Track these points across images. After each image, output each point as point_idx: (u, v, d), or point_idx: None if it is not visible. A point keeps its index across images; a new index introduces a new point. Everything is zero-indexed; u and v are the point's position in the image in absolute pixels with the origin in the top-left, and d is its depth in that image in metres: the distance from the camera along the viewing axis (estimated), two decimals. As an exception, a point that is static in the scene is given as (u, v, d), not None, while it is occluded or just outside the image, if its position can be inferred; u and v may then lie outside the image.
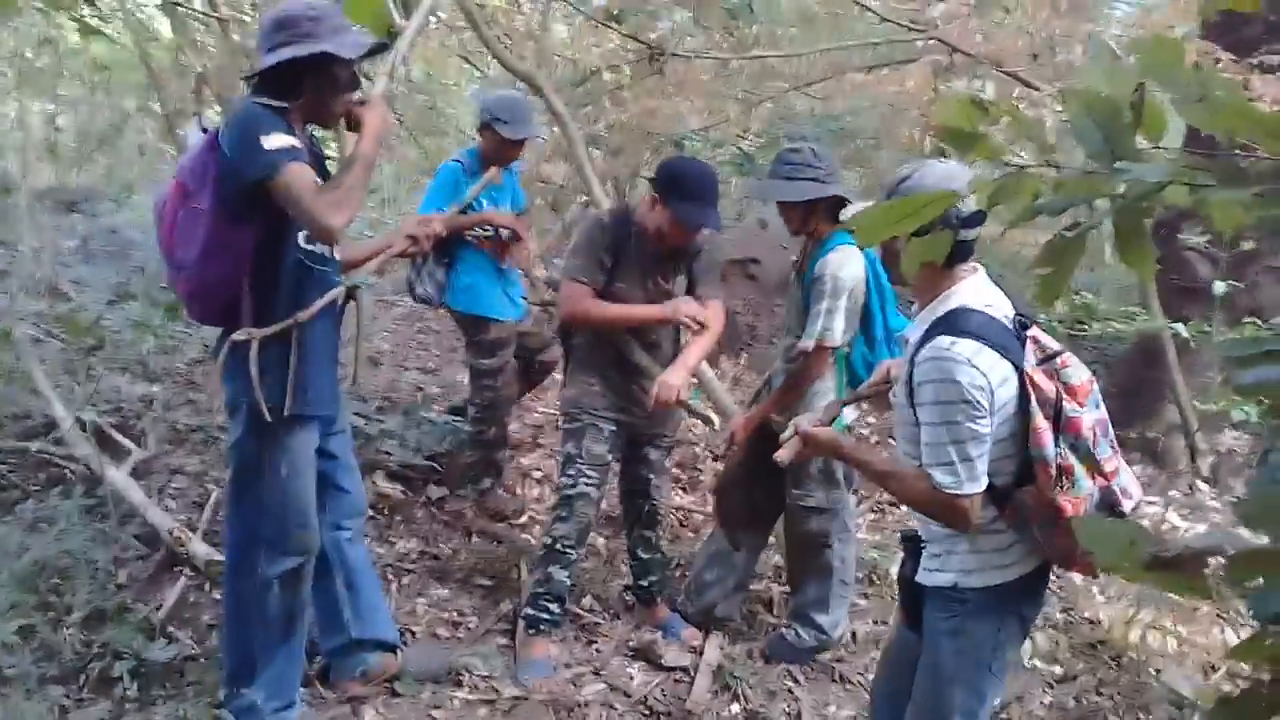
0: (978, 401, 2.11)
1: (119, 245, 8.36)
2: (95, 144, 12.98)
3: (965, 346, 2.14)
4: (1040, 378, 2.18)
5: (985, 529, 2.27)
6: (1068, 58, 6.19)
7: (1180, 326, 4.19)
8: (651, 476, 3.85)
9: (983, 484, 2.17)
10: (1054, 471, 2.13)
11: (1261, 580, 1.28)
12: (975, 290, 2.27)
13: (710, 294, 3.67)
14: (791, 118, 8.59)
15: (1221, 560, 1.41)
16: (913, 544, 2.48)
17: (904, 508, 4.97)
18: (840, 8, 8.07)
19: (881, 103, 6.65)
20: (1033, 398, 2.15)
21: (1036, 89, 5.60)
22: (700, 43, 8.16)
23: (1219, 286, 4.29)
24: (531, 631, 3.62)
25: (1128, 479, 2.26)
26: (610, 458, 3.71)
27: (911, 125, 5.70)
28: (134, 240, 8.72)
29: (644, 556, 3.92)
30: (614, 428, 3.68)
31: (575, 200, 8.76)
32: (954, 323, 2.20)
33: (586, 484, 3.62)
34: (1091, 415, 2.19)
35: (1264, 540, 1.31)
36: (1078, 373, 2.22)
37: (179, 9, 8.79)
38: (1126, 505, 2.23)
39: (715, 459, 5.61)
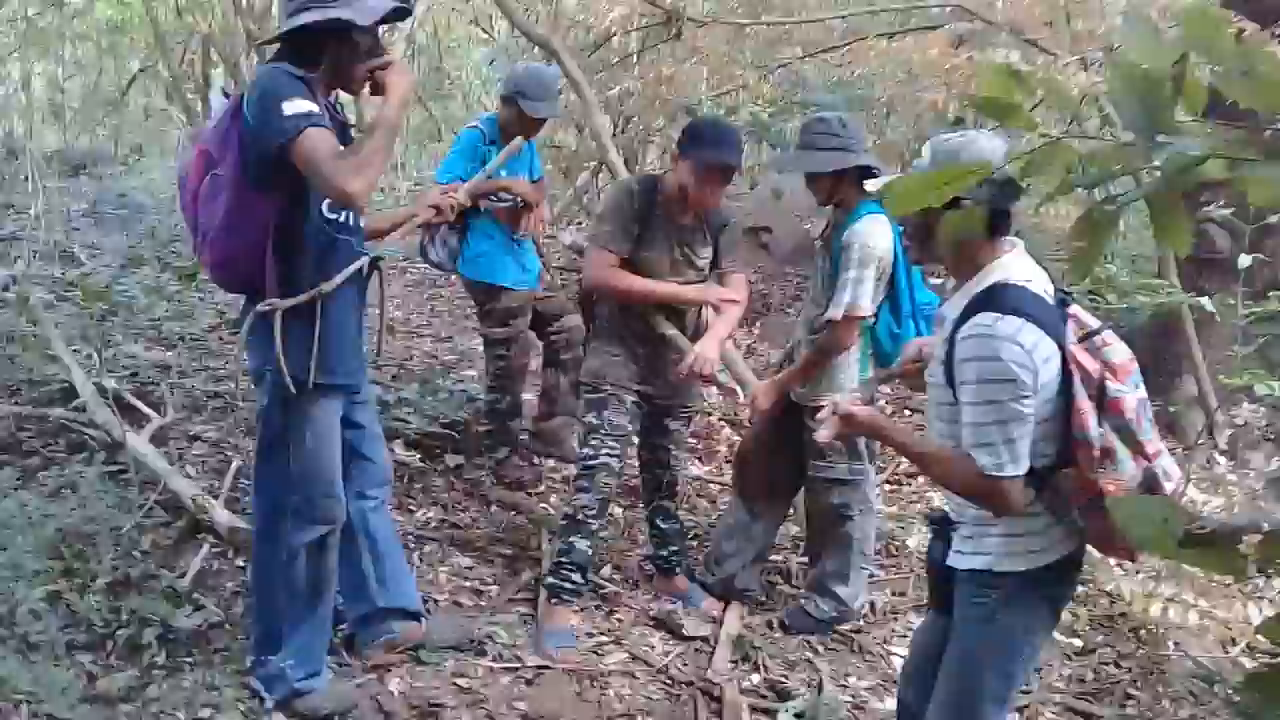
0: (1022, 380, 2.06)
1: (129, 209, 8.34)
2: (101, 106, 12.90)
3: (1009, 324, 2.08)
4: (1084, 356, 2.14)
5: (1022, 514, 2.22)
6: (1085, 26, 6.13)
7: (1205, 301, 4.16)
8: (671, 447, 3.85)
9: (1025, 466, 2.11)
10: (1097, 453, 2.10)
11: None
12: (1016, 265, 2.22)
13: (735, 267, 3.68)
14: (805, 84, 8.52)
15: (1256, 537, 1.41)
16: (941, 526, 2.44)
17: (923, 480, 4.98)
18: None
19: (901, 70, 6.59)
20: (1076, 377, 2.12)
21: (1055, 56, 5.55)
22: (714, 7, 8.09)
23: (1244, 259, 4.25)
24: (554, 601, 3.63)
25: (1167, 460, 2.21)
26: (631, 429, 3.70)
27: (934, 92, 5.64)
28: (143, 204, 8.73)
29: (663, 527, 3.92)
30: (635, 399, 3.67)
31: (586, 166, 8.72)
32: (996, 299, 2.15)
33: (608, 454, 3.62)
34: (1134, 395, 2.15)
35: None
36: (1119, 351, 2.18)
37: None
38: (1167, 487, 2.19)
39: (731, 428, 5.61)
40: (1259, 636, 3.77)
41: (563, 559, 3.64)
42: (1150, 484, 2.17)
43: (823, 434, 2.37)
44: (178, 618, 3.22)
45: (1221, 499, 4.86)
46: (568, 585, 3.62)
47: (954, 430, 2.21)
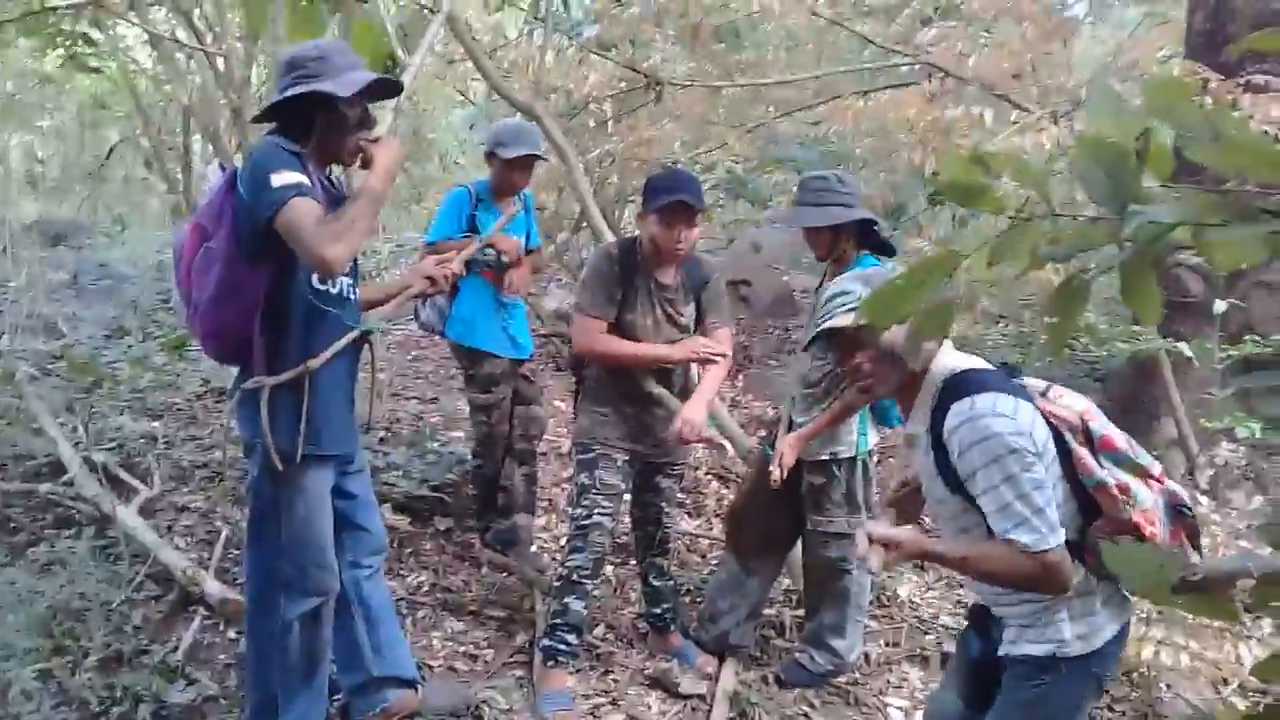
0: (1024, 449, 2.04)
1: (111, 280, 8.35)
2: (81, 177, 12.95)
3: (985, 400, 2.08)
4: (1056, 409, 2.17)
5: (1079, 590, 2.18)
6: (1053, 80, 6.28)
7: (1183, 346, 4.23)
8: (664, 505, 3.87)
9: (1062, 533, 2.07)
10: (1116, 492, 2.10)
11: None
12: (953, 357, 2.25)
13: (720, 322, 3.70)
14: (780, 141, 8.66)
15: (1249, 581, 1.44)
16: (980, 620, 2.40)
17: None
18: (827, 33, 8.16)
19: (877, 128, 6.73)
20: (1064, 430, 2.14)
21: (1027, 111, 5.67)
22: (686, 70, 8.23)
23: (1219, 305, 4.34)
24: (550, 664, 3.62)
25: (1171, 482, 2.24)
26: (623, 487, 3.71)
27: (910, 150, 5.76)
28: (125, 275, 8.72)
29: (656, 584, 3.93)
30: (626, 457, 3.69)
31: (566, 224, 8.80)
32: (960, 388, 2.15)
33: (600, 514, 3.63)
34: (1113, 429, 2.19)
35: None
36: (1076, 398, 2.23)
37: (165, 41, 8.81)
38: (1188, 501, 2.21)
39: (719, 482, 5.63)
40: (1251, 677, 3.80)
41: (558, 620, 3.64)
42: (1175, 505, 2.19)
43: (874, 563, 2.13)
44: (171, 693, 3.21)
45: (1206, 539, 4.90)
46: (563, 647, 3.61)
47: (976, 537, 2.19)
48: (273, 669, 2.97)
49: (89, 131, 13.56)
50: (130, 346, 6.07)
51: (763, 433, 5.62)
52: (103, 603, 3.53)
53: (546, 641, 3.65)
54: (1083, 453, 2.13)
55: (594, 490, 3.63)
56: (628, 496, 3.85)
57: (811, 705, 3.74)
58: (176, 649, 3.45)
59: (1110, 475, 2.12)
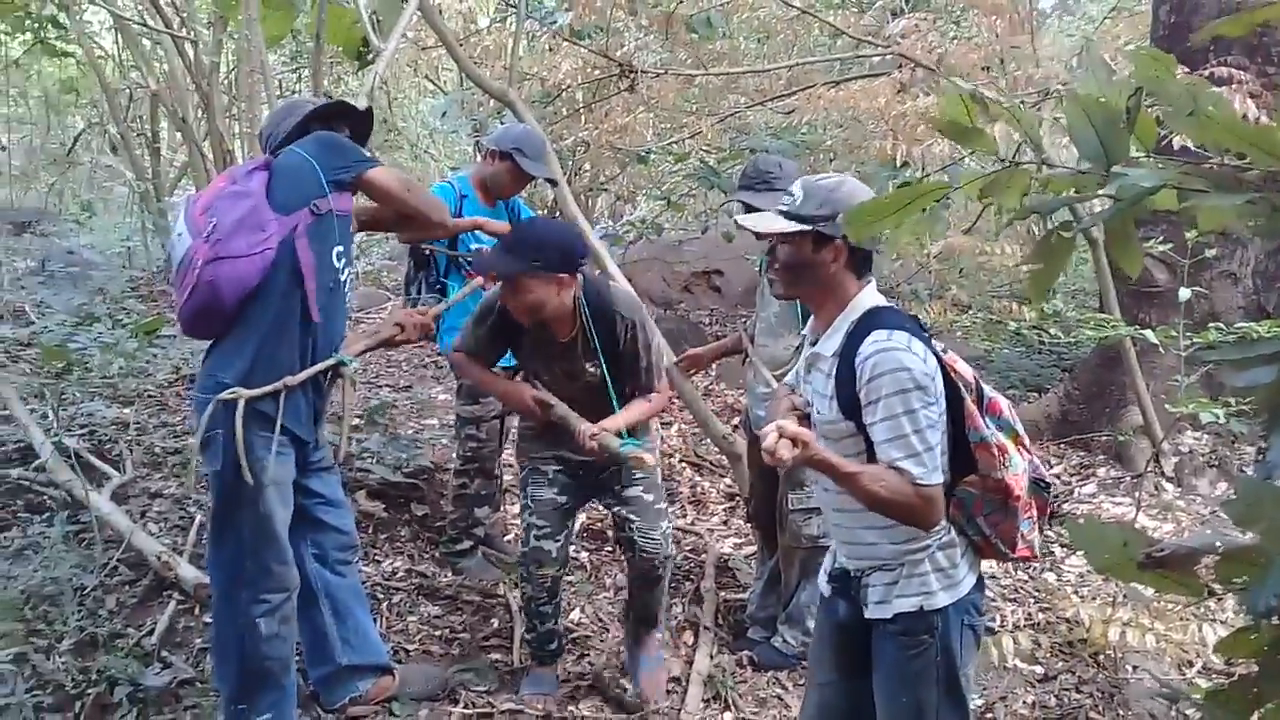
0: (928, 388, 2.14)
1: (79, 267, 8.27)
2: (47, 164, 12.78)
3: (902, 337, 2.16)
4: (957, 366, 2.26)
5: (941, 542, 2.27)
6: (1021, 72, 6.35)
7: (1148, 333, 4.31)
8: (634, 517, 3.50)
9: (941, 475, 2.17)
10: (995, 451, 2.20)
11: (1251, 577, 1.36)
12: (873, 297, 2.32)
13: (649, 386, 3.36)
14: (751, 131, 8.70)
15: (1213, 558, 1.49)
16: (843, 583, 2.41)
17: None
18: (799, 24, 8.20)
19: (847, 117, 6.78)
20: (960, 385, 2.23)
21: (999, 102, 5.72)
22: (659, 59, 8.26)
23: (1184, 292, 4.42)
24: (536, 662, 3.60)
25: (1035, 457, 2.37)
26: (562, 500, 3.49)
27: (880, 139, 5.81)
28: (93, 262, 8.65)
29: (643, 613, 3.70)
30: (558, 467, 3.48)
31: (540, 213, 8.81)
32: (879, 320, 2.22)
33: (538, 535, 3.46)
34: (1000, 396, 2.32)
35: (1252, 538, 1.39)
36: (966, 366, 2.32)
37: (131, 26, 8.72)
38: (1048, 476, 2.35)
39: (693, 469, 5.67)
40: (1214, 657, 3.89)
41: (530, 637, 3.60)
42: (1036, 476, 2.32)
43: (784, 454, 2.05)
44: (147, 676, 3.21)
45: (1171, 525, 5.00)
46: (545, 652, 3.59)
47: (856, 463, 2.20)
48: (241, 666, 2.96)
49: (54, 117, 13.39)
50: (98, 335, 6.02)
51: (734, 421, 5.68)
52: (76, 587, 3.52)
53: (531, 646, 3.61)
54: (974, 409, 2.22)
55: (529, 511, 3.48)
56: (572, 500, 3.57)
57: (784, 688, 3.78)
58: (151, 633, 3.44)
59: (993, 436, 2.22)
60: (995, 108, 1.51)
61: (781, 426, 2.04)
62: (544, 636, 3.58)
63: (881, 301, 2.31)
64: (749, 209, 3.56)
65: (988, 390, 2.30)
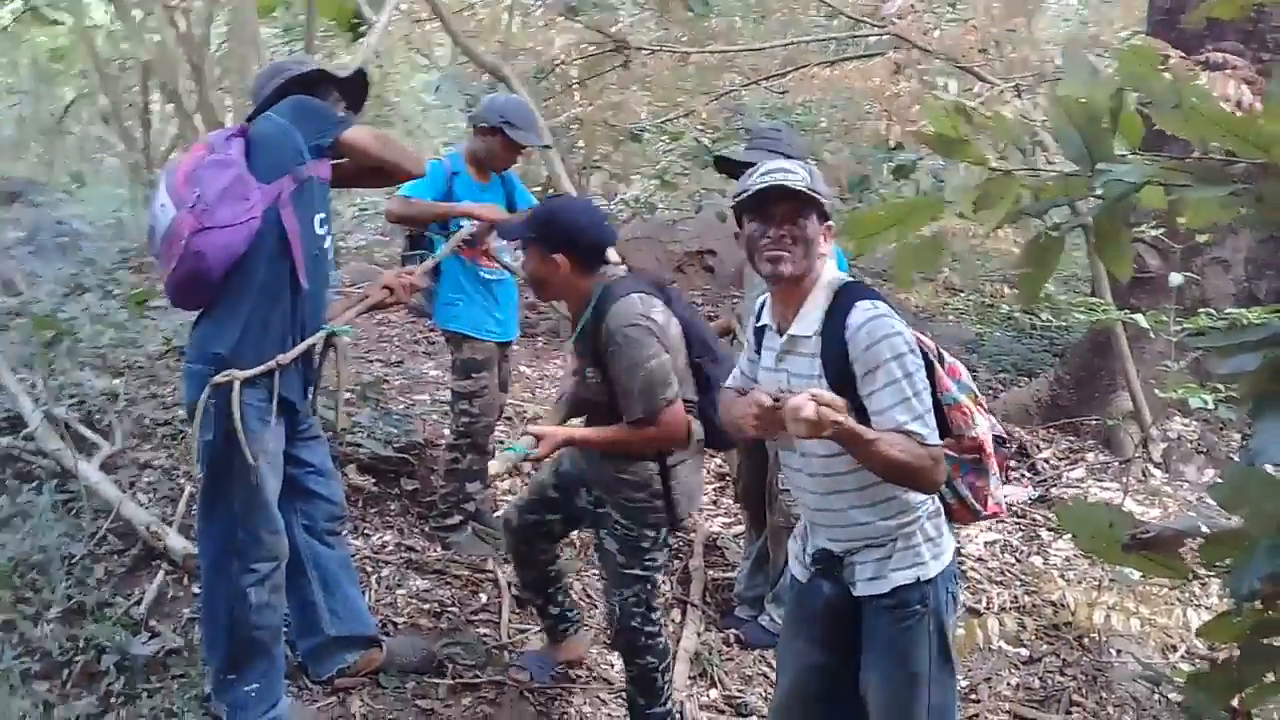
0: (917, 353, 2.20)
1: (68, 238, 8.22)
2: (37, 134, 12.70)
3: (884, 306, 2.21)
4: (921, 336, 2.32)
5: (928, 511, 2.31)
6: (1017, 54, 6.35)
7: (1140, 317, 4.32)
8: (601, 570, 3.31)
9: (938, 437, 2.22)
10: (964, 411, 2.28)
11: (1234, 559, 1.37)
12: (838, 274, 2.35)
13: (627, 411, 2.89)
14: (746, 111, 8.68)
15: (1198, 541, 1.50)
16: (826, 564, 2.40)
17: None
18: (795, 3, 8.17)
19: (842, 98, 6.77)
20: (928, 351, 2.29)
21: (991, 84, 5.73)
22: (654, 36, 8.22)
23: (1175, 278, 4.43)
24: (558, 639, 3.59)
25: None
26: (554, 495, 3.30)
27: (876, 119, 5.80)
28: (83, 233, 8.60)
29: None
30: (568, 468, 3.29)
31: (533, 190, 8.79)
32: (858, 293, 2.26)
33: (514, 501, 3.50)
34: (957, 362, 2.40)
35: (1236, 522, 1.40)
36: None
37: (125, -3, 8.65)
38: (1004, 434, 2.44)
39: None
40: (1198, 641, 3.92)
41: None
42: (998, 435, 2.40)
43: (809, 411, 1.97)
44: (134, 645, 3.21)
45: (1158, 510, 5.03)
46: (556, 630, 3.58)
47: (834, 449, 2.17)
48: (230, 636, 2.95)
49: (45, 86, 13.27)
50: (87, 307, 5.99)
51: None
52: (65, 556, 3.51)
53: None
54: (942, 373, 2.29)
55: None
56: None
57: (770, 665, 3.80)
58: (139, 603, 3.44)
59: (960, 397, 2.30)
60: (980, 119, 1.51)
61: (817, 395, 2.01)
62: (548, 620, 3.56)
63: (840, 276, 2.34)
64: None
65: (947, 356, 2.37)
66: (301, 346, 2.92)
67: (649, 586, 3.08)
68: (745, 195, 2.26)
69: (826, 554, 2.40)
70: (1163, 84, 1.31)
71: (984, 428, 2.33)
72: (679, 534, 4.69)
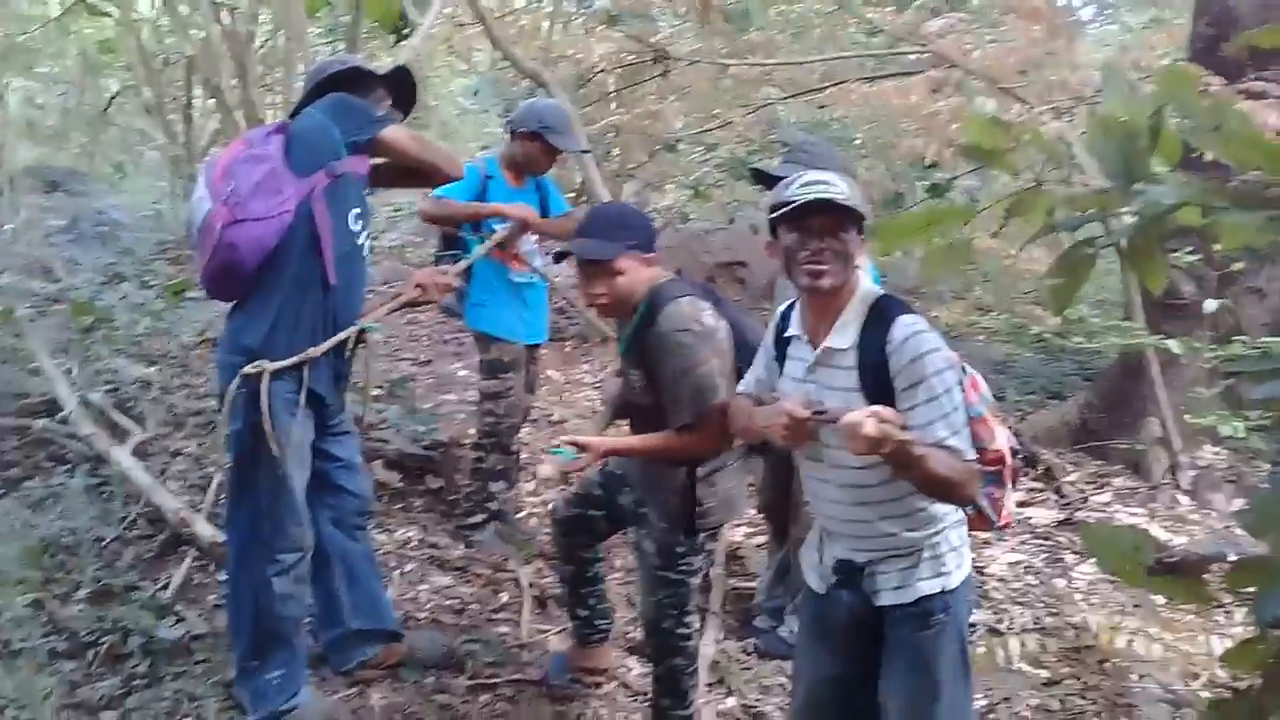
0: (957, 369, 2.22)
1: (108, 227, 8.34)
2: (81, 124, 12.87)
3: (923, 321, 2.21)
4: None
5: (952, 522, 2.32)
6: (1056, 77, 6.32)
7: (1172, 343, 4.29)
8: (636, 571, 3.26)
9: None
10: (989, 424, 2.28)
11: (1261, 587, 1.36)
12: (872, 287, 2.33)
13: (675, 418, 2.81)
14: (782, 124, 8.69)
15: (1223, 567, 1.49)
16: (847, 574, 2.37)
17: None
18: (836, 19, 8.18)
19: (880, 114, 6.77)
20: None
21: (1029, 105, 5.72)
22: (694, 47, 8.26)
23: (1210, 304, 4.40)
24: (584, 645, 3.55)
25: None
26: (598, 493, 3.27)
27: (912, 137, 5.80)
28: (122, 223, 8.72)
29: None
30: (618, 470, 3.24)
31: (566, 196, 8.83)
32: (896, 306, 2.24)
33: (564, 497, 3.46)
34: (976, 374, 2.38)
35: (1263, 548, 1.39)
36: None
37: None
38: (1017, 446, 2.44)
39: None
40: (1221, 670, 3.87)
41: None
42: (1012, 444, 2.38)
43: (871, 427, 1.96)
44: (160, 629, 3.26)
45: (1184, 538, 4.98)
46: (581, 634, 3.55)
47: (868, 461, 2.12)
48: (254, 625, 2.99)
49: (90, 79, 13.46)
50: (124, 295, 6.08)
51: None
52: (94, 539, 3.57)
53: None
54: (967, 386, 2.27)
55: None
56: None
57: (789, 676, 3.79)
58: (166, 587, 3.50)
59: (983, 409, 2.30)
60: (1019, 129, 1.52)
61: (878, 411, 1.99)
62: (576, 620, 3.53)
63: (874, 289, 2.33)
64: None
65: (967, 368, 2.36)
66: (332, 341, 2.96)
67: (683, 590, 3.05)
68: (786, 207, 2.22)
69: (848, 564, 2.38)
70: (1202, 105, 1.32)
71: (1002, 438, 2.34)
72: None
